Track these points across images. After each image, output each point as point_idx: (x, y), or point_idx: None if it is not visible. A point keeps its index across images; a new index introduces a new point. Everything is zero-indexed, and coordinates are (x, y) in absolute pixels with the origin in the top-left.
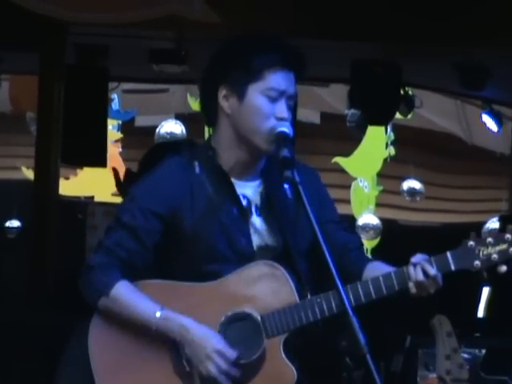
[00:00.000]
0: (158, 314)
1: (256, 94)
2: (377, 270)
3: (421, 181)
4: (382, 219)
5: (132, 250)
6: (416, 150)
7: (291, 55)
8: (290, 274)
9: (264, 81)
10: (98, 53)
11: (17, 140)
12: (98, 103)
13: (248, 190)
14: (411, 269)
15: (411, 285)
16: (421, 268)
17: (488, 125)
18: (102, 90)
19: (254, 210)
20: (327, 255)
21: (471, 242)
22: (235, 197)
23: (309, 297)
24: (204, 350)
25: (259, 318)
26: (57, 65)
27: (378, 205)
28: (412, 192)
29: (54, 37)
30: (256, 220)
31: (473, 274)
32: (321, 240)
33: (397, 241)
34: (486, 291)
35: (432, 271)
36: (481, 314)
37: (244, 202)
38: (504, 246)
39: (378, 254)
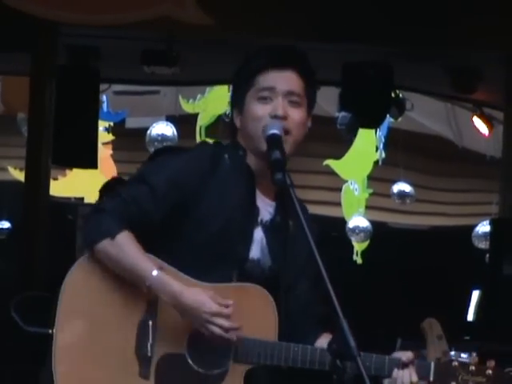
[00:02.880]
0: (154, 273)
1: (250, 101)
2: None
3: (411, 184)
4: (372, 222)
5: (146, 211)
6: (406, 152)
7: (283, 54)
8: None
9: (255, 85)
10: (89, 54)
11: (7, 141)
12: (89, 104)
13: (262, 205)
14: (396, 370)
15: (390, 380)
16: (407, 372)
17: (479, 128)
18: (93, 91)
19: (259, 222)
20: (328, 285)
21: (456, 363)
22: (252, 201)
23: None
24: (202, 314)
25: (234, 339)
26: (48, 66)
27: (368, 207)
28: (402, 195)
29: (46, 38)
30: (259, 234)
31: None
32: (321, 266)
33: (386, 243)
34: (475, 295)
35: (414, 379)
36: (471, 317)
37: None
38: (482, 380)
39: (368, 256)
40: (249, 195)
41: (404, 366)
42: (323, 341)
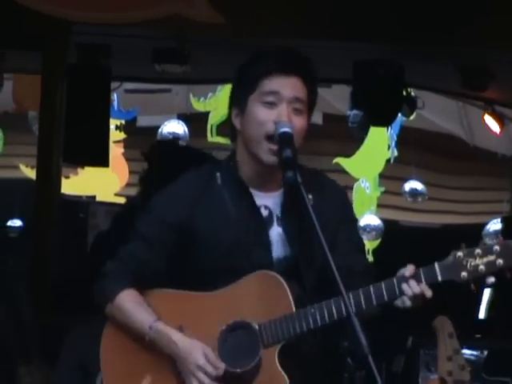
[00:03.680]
0: (151, 327)
1: (254, 104)
2: None
3: (422, 182)
4: (383, 220)
5: (144, 261)
6: (418, 151)
7: (289, 60)
8: (296, 285)
9: (260, 89)
10: (100, 52)
11: (19, 139)
12: (101, 103)
13: (269, 201)
14: (404, 285)
15: (404, 298)
16: (414, 282)
17: (490, 126)
18: (104, 89)
19: (275, 220)
20: (329, 258)
21: (459, 253)
22: (254, 208)
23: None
24: (189, 365)
25: (257, 328)
26: (59, 64)
27: (380, 206)
28: (414, 193)
29: (57, 36)
30: (277, 230)
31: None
32: (324, 243)
33: (398, 242)
34: (487, 293)
35: (423, 286)
36: (482, 315)
37: (265, 213)
38: (491, 258)
39: (380, 254)
40: (248, 205)
41: (411, 278)
42: None
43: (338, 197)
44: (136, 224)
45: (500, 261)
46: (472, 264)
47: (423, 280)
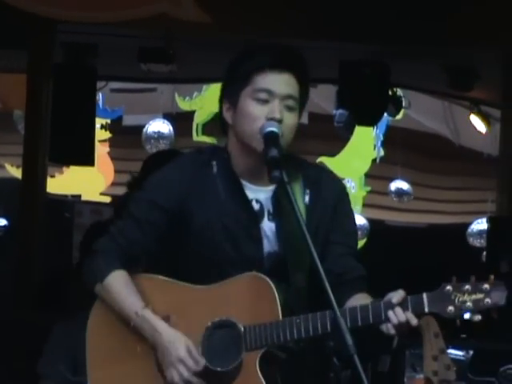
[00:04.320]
0: (138, 313)
1: (246, 99)
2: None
3: (408, 182)
4: (369, 219)
5: (132, 239)
6: (404, 150)
7: (283, 56)
8: (285, 286)
9: (252, 84)
10: (86, 51)
11: (4, 138)
12: (86, 102)
13: (261, 195)
14: (390, 312)
15: (389, 326)
16: (400, 310)
17: (476, 126)
18: (90, 88)
19: (266, 215)
20: (319, 266)
21: (449, 287)
22: (245, 201)
23: (303, 310)
24: (170, 356)
25: (242, 329)
26: (45, 63)
27: (366, 205)
28: (400, 193)
29: (43, 35)
30: (268, 225)
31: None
32: (313, 251)
33: (384, 241)
34: None
35: (409, 315)
36: (467, 315)
37: (256, 207)
38: (480, 296)
39: (365, 254)
40: (239, 198)
41: (397, 305)
42: (352, 302)
43: (335, 191)
44: (129, 202)
45: (488, 300)
46: (460, 299)
47: (410, 309)
